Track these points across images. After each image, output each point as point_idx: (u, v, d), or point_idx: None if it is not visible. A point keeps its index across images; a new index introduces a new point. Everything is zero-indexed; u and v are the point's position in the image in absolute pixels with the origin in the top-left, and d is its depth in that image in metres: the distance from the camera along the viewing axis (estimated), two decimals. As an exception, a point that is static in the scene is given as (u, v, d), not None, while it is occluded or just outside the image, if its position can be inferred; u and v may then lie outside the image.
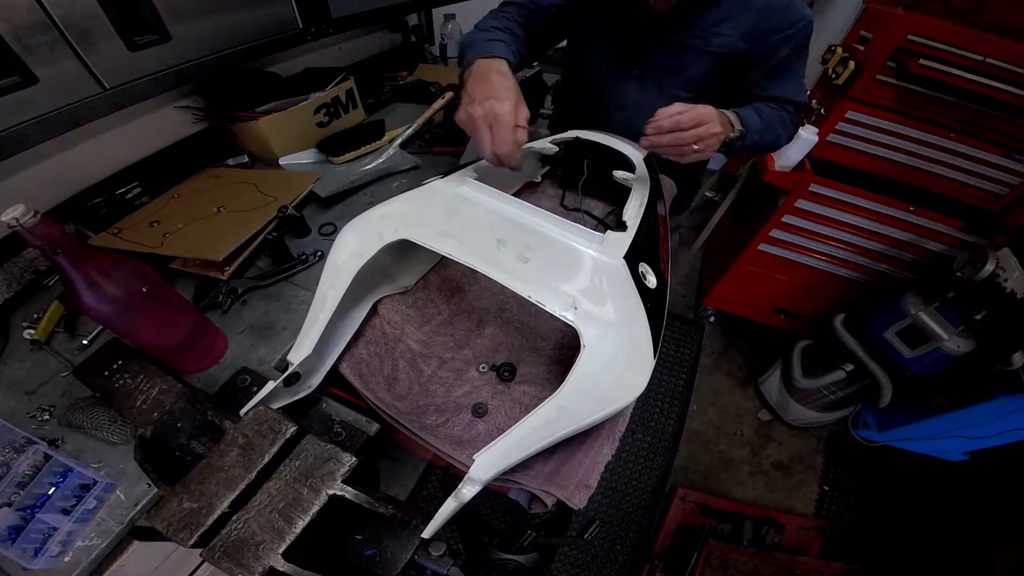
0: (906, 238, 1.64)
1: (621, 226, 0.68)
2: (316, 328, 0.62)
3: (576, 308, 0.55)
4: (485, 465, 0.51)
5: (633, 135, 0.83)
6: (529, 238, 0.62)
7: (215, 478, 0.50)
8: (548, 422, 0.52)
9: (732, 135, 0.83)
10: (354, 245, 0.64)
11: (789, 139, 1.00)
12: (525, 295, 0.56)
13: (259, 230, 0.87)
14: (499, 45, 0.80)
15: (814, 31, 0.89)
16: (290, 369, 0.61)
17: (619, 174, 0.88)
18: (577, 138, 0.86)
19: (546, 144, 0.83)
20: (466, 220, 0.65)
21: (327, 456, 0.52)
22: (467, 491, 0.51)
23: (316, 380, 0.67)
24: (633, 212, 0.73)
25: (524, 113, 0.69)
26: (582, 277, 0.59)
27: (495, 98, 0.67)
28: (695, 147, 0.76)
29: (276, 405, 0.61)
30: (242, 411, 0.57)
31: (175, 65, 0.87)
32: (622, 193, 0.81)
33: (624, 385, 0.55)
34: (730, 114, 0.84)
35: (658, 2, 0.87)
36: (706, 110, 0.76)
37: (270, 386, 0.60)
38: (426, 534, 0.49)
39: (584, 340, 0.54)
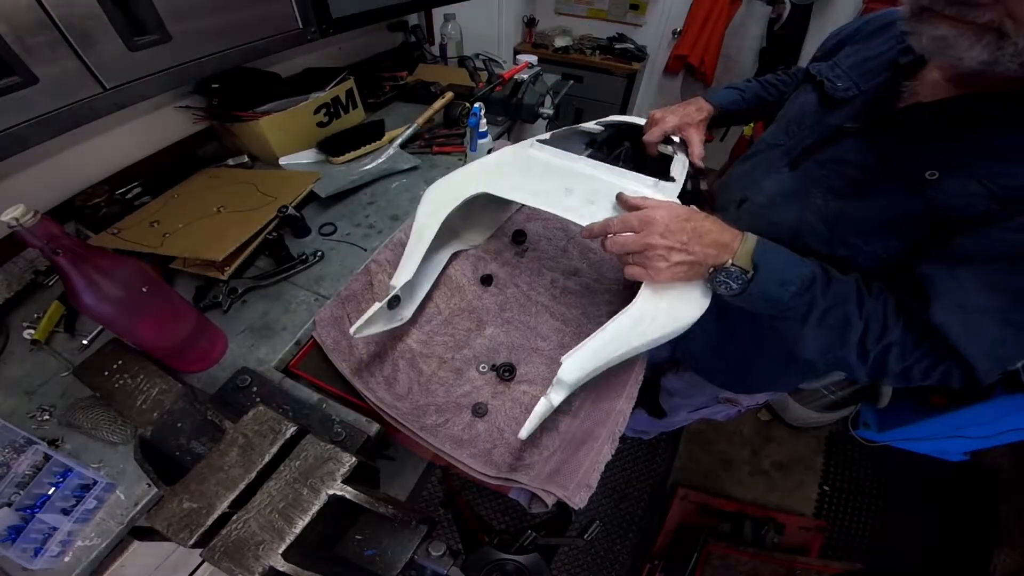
0: (906, 238, 1.63)
1: (669, 179, 0.74)
2: (416, 255, 0.71)
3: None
4: (574, 367, 0.55)
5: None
6: (594, 185, 0.71)
7: (215, 478, 0.50)
8: (622, 332, 0.57)
9: (710, 272, 0.55)
10: (442, 196, 0.75)
11: (868, 375, 0.55)
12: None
13: (259, 230, 0.87)
14: None
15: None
16: (392, 292, 0.69)
17: (661, 146, 0.88)
18: (620, 122, 0.94)
19: (592, 125, 0.93)
20: (537, 175, 0.75)
21: (327, 456, 0.52)
22: (555, 396, 0.55)
23: (408, 312, 0.77)
24: (678, 171, 0.78)
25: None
26: None
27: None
28: (629, 259, 0.58)
29: (374, 330, 0.69)
30: (351, 329, 0.64)
31: (175, 65, 0.87)
32: (657, 170, 0.81)
33: (689, 302, 0.59)
34: (750, 243, 0.55)
35: (930, 84, 0.54)
36: (658, 213, 0.55)
37: (376, 307, 0.67)
38: (522, 434, 0.54)
39: None
